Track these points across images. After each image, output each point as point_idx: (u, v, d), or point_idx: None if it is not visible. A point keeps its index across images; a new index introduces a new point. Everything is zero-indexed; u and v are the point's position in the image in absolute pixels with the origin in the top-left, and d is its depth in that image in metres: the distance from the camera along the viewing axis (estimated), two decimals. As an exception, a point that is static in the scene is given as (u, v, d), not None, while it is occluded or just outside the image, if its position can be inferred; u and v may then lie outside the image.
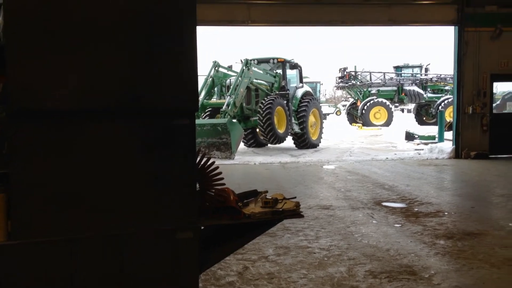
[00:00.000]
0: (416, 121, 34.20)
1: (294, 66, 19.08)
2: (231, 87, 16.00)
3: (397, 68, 35.75)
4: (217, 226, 2.85)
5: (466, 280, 4.29)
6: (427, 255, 5.00)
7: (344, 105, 48.66)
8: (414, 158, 14.63)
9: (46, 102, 2.32)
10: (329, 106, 56.45)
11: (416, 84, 34.03)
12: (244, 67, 16.10)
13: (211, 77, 16.86)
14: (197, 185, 2.75)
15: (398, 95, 33.73)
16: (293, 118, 18.00)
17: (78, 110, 2.39)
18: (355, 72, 35.27)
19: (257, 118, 16.55)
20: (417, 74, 35.04)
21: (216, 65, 17.03)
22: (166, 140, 2.52)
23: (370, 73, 35.31)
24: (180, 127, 2.54)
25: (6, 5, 2.26)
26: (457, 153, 14.24)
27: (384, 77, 34.98)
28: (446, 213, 6.96)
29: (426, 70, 35.09)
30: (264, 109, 16.33)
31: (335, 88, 42.27)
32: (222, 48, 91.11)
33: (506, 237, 5.69)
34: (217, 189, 2.84)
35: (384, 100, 32.78)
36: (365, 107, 32.41)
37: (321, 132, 19.46)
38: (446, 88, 32.99)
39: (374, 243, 5.48)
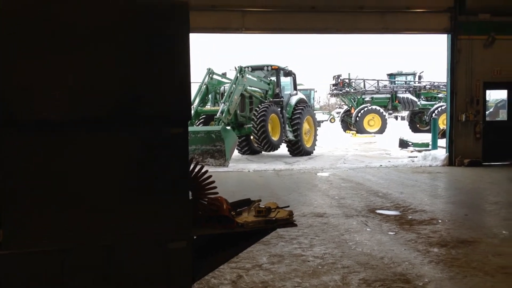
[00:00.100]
0: (410, 128, 34.34)
1: (288, 73, 19.11)
2: (225, 94, 16.00)
3: (391, 76, 35.92)
4: (210, 235, 2.84)
5: (460, 289, 4.29)
6: (421, 263, 4.99)
7: (338, 112, 48.79)
8: (408, 165, 14.66)
9: (37, 112, 2.31)
10: (323, 113, 56.60)
11: (409, 92, 34.18)
12: (238, 74, 16.11)
13: (205, 84, 16.85)
14: (190, 194, 2.74)
15: (392, 103, 33.86)
16: (287, 126, 18.01)
17: (69, 120, 2.38)
18: (349, 79, 35.39)
19: (251, 125, 16.55)
20: (411, 81, 35.20)
21: (210, 72, 17.04)
22: (159, 149, 2.51)
23: (364, 80, 35.45)
24: (173, 136, 2.53)
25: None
26: (451, 161, 14.28)
27: (378, 84, 35.13)
28: (440, 221, 6.97)
29: (420, 77, 35.27)
30: (258, 117, 16.34)
31: (329, 95, 42.42)
32: (216, 55, 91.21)
33: (499, 245, 5.70)
34: (210, 198, 2.83)
35: (378, 108, 32.89)
36: (359, 115, 32.50)
37: (315, 140, 19.48)
38: (440, 95, 33.15)
39: (368, 251, 5.47)
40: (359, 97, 34.51)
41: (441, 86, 32.09)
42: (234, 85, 15.96)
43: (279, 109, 17.71)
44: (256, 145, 17.47)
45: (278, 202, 3.19)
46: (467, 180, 11.56)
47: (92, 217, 2.43)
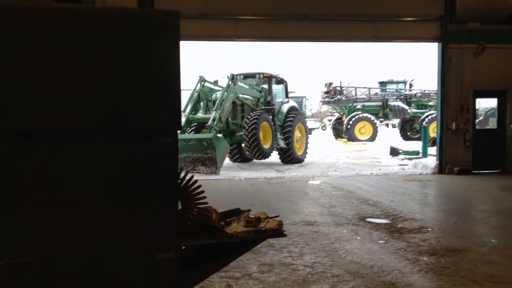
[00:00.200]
0: (401, 136, 34.47)
1: (280, 81, 19.15)
2: (217, 102, 16.01)
3: (382, 84, 36.10)
4: (199, 246, 2.83)
5: (449, 298, 4.31)
6: (410, 272, 5.01)
7: (329, 120, 48.90)
8: (398, 173, 14.71)
9: (24, 121, 2.30)
10: (314, 121, 56.68)
11: (400, 100, 34.33)
12: (230, 82, 16.14)
13: (197, 92, 16.86)
14: (179, 204, 2.74)
15: (383, 110, 34.00)
16: (278, 133, 18.03)
17: (57, 130, 2.38)
18: (341, 87, 35.52)
19: (243, 133, 16.56)
20: (402, 89, 35.37)
21: (202, 80, 17.05)
22: (147, 159, 2.51)
23: (355, 88, 35.59)
24: (162, 145, 2.53)
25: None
26: (441, 169, 14.35)
27: (369, 92, 35.28)
28: (429, 229, 7.00)
29: (410, 85, 35.47)
30: (249, 124, 16.36)
31: (321, 103, 42.52)
32: (208, 63, 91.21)
33: (488, 253, 5.73)
34: (200, 208, 2.83)
35: (369, 115, 33.01)
36: (350, 122, 32.60)
37: (306, 147, 19.50)
38: (430, 103, 33.32)
39: (358, 259, 5.48)
40: (350, 104, 34.63)
41: (432, 94, 32.28)
42: (225, 93, 15.98)
43: (271, 116, 17.74)
44: (247, 153, 17.48)
45: (269, 210, 3.20)
46: (456, 188, 11.62)
47: (79, 228, 2.42)
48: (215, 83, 17.85)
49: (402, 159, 18.94)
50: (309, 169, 16.31)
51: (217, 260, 2.91)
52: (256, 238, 2.87)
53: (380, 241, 6.31)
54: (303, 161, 18.90)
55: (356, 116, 32.84)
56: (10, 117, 2.30)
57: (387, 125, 42.51)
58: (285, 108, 18.78)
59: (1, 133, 2.30)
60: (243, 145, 17.83)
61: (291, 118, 18.50)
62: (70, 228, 2.41)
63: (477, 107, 15.02)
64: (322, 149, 25.60)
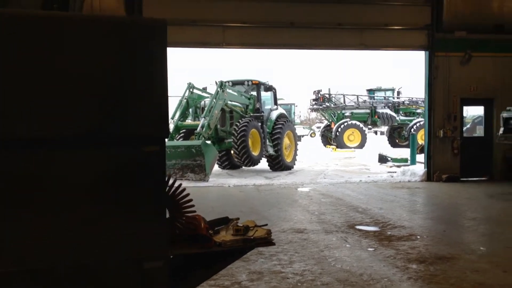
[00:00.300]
0: (389, 143, 34.67)
1: (269, 88, 19.19)
2: (206, 108, 15.98)
3: (370, 91, 36.31)
4: (188, 255, 2.80)
5: (438, 306, 4.30)
6: (399, 280, 5.00)
7: (318, 127, 49.03)
8: (387, 180, 14.75)
9: (9, 130, 2.27)
10: (303, 128, 56.85)
11: (388, 107, 34.55)
12: (218, 89, 16.13)
13: (185, 98, 16.82)
14: (167, 212, 2.71)
15: (371, 118, 34.18)
16: (267, 140, 18.03)
17: (42, 138, 2.34)
18: (329, 94, 35.65)
19: (232, 140, 16.55)
20: (390, 97, 35.61)
21: (190, 86, 17.02)
22: (134, 167, 2.48)
23: (344, 95, 35.77)
24: (148, 154, 2.50)
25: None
26: (429, 176, 14.42)
27: (358, 99, 35.47)
28: (418, 237, 7.01)
29: (398, 93, 35.74)
30: (238, 131, 16.35)
31: (310, 110, 42.64)
32: (196, 70, 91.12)
33: (477, 261, 5.74)
34: (188, 216, 2.80)
35: (358, 123, 33.16)
36: (339, 129, 32.73)
37: (295, 154, 19.52)
38: (418, 111, 33.58)
39: (348, 267, 5.47)
40: (339, 112, 34.78)
41: (420, 102, 32.52)
42: (214, 100, 15.97)
43: (260, 124, 17.75)
44: (236, 160, 17.45)
45: (258, 217, 3.18)
46: (445, 195, 11.67)
47: (66, 236, 2.38)
48: (204, 90, 17.83)
49: (391, 166, 19.01)
50: (298, 176, 16.32)
51: (206, 269, 2.88)
52: (244, 247, 2.84)
53: (369, 249, 6.30)
54: (292, 168, 18.90)
55: (345, 123, 32.98)
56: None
57: (375, 132, 42.80)
58: (274, 115, 18.80)
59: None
60: (232, 152, 17.80)
61: (280, 125, 18.52)
62: (57, 237, 2.36)
63: (464, 115, 15.13)
64: (311, 156, 25.63)
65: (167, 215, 2.72)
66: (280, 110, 19.56)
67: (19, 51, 2.29)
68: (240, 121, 16.85)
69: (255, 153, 17.08)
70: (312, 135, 53.70)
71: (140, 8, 12.87)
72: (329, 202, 10.44)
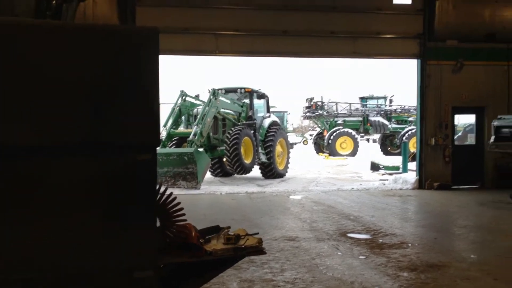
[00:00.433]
0: (381, 151, 34.76)
1: (261, 96, 19.22)
2: (198, 116, 15.98)
3: (363, 99, 36.44)
4: (178, 264, 2.80)
5: (429, 314, 4.31)
6: (391, 288, 5.01)
7: (311, 135, 49.11)
8: (379, 188, 14.79)
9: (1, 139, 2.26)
10: (296, 135, 56.83)
11: (381, 115, 34.69)
12: (211, 97, 16.14)
13: (178, 106, 16.82)
14: (158, 221, 2.70)
15: (364, 126, 34.29)
16: (260, 148, 18.03)
17: (32, 146, 2.33)
18: (322, 102, 35.75)
19: (224, 148, 16.55)
20: (382, 105, 35.75)
21: (183, 94, 17.02)
22: (125, 176, 2.48)
23: (336, 103, 35.87)
24: (139, 162, 2.50)
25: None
26: (421, 184, 14.47)
27: (350, 107, 35.59)
28: (409, 245, 7.02)
29: (391, 101, 35.86)
30: (231, 139, 16.36)
31: (302, 117, 42.69)
32: (189, 77, 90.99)
33: (468, 269, 5.76)
34: (179, 225, 2.80)
35: (350, 130, 33.25)
36: (332, 137, 32.78)
37: (288, 162, 19.53)
38: (410, 119, 33.72)
39: (339, 275, 5.47)
40: (331, 119, 34.87)
41: (412, 110, 32.67)
42: (207, 107, 15.98)
43: (252, 131, 17.77)
44: (228, 167, 17.44)
45: (250, 225, 3.18)
46: (436, 203, 11.71)
47: (56, 245, 2.38)
48: (197, 97, 17.83)
49: (383, 174, 19.05)
50: (291, 184, 16.32)
51: (197, 278, 2.87)
52: (235, 256, 2.84)
53: (360, 257, 6.31)
54: (285, 175, 18.90)
55: (337, 131, 33.05)
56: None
57: (367, 140, 42.87)
58: (266, 122, 18.82)
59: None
60: (224, 159, 17.79)
61: (273, 133, 18.54)
62: (47, 245, 2.36)
63: (455, 123, 15.22)
64: (304, 164, 25.64)
65: (158, 224, 2.71)
66: (273, 118, 19.59)
67: (10, 60, 2.29)
68: (232, 129, 16.87)
69: (248, 161, 17.08)
70: (305, 143, 53.74)
71: (133, 16, 12.89)
72: (321, 209, 10.45)
